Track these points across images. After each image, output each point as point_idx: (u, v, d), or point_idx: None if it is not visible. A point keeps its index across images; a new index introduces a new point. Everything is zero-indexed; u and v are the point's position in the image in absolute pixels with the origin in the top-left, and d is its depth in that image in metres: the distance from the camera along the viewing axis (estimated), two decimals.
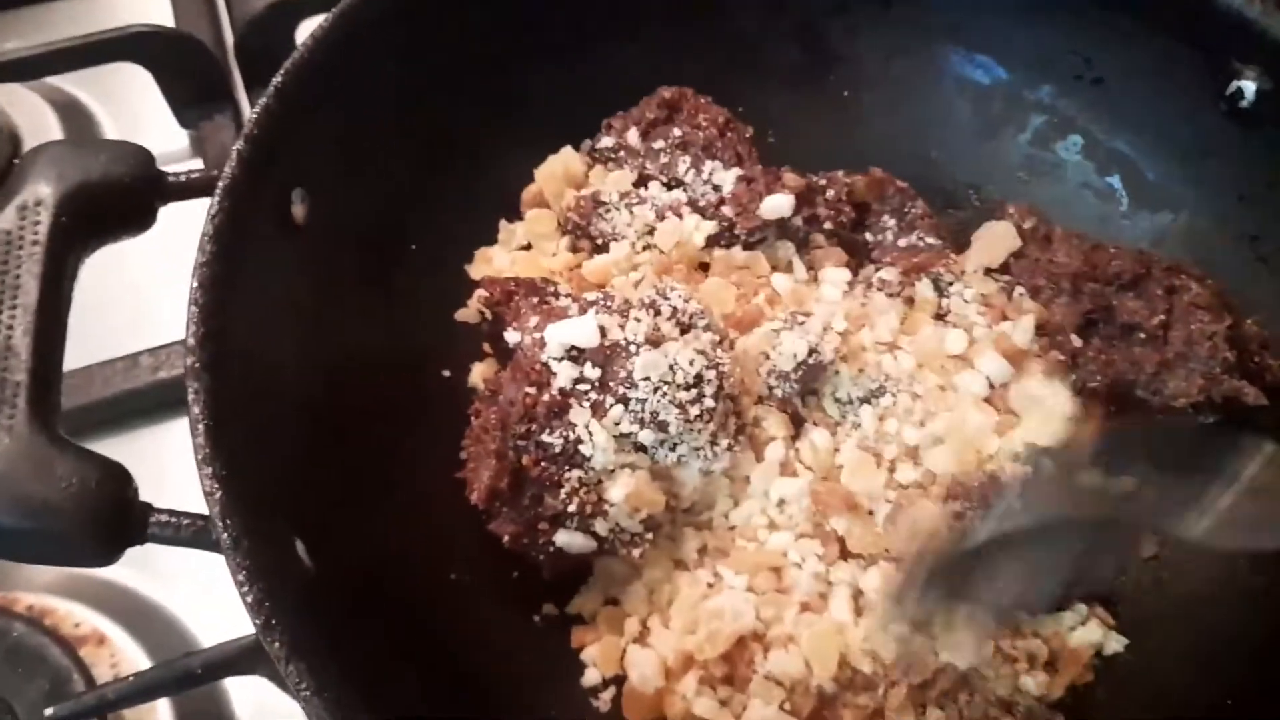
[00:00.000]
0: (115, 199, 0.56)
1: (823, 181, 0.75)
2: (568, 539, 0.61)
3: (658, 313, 0.64)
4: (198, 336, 0.52)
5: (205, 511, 0.49)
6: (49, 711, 0.62)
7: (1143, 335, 0.69)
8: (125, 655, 0.75)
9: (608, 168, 0.77)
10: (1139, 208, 0.77)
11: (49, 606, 0.76)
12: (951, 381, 0.67)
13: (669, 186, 0.75)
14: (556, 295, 0.66)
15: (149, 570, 0.79)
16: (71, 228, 0.53)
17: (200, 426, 0.50)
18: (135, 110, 1.01)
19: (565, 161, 0.78)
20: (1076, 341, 0.69)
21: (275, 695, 0.71)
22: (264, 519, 0.50)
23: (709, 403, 0.61)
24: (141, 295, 0.88)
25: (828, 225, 0.74)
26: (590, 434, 0.59)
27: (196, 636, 0.77)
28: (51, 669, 0.69)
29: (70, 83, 1.02)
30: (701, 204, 0.74)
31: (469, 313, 0.73)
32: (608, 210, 0.74)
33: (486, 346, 0.73)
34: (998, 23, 0.79)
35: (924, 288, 0.71)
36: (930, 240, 0.75)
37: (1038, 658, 0.62)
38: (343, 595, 0.54)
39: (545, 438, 0.59)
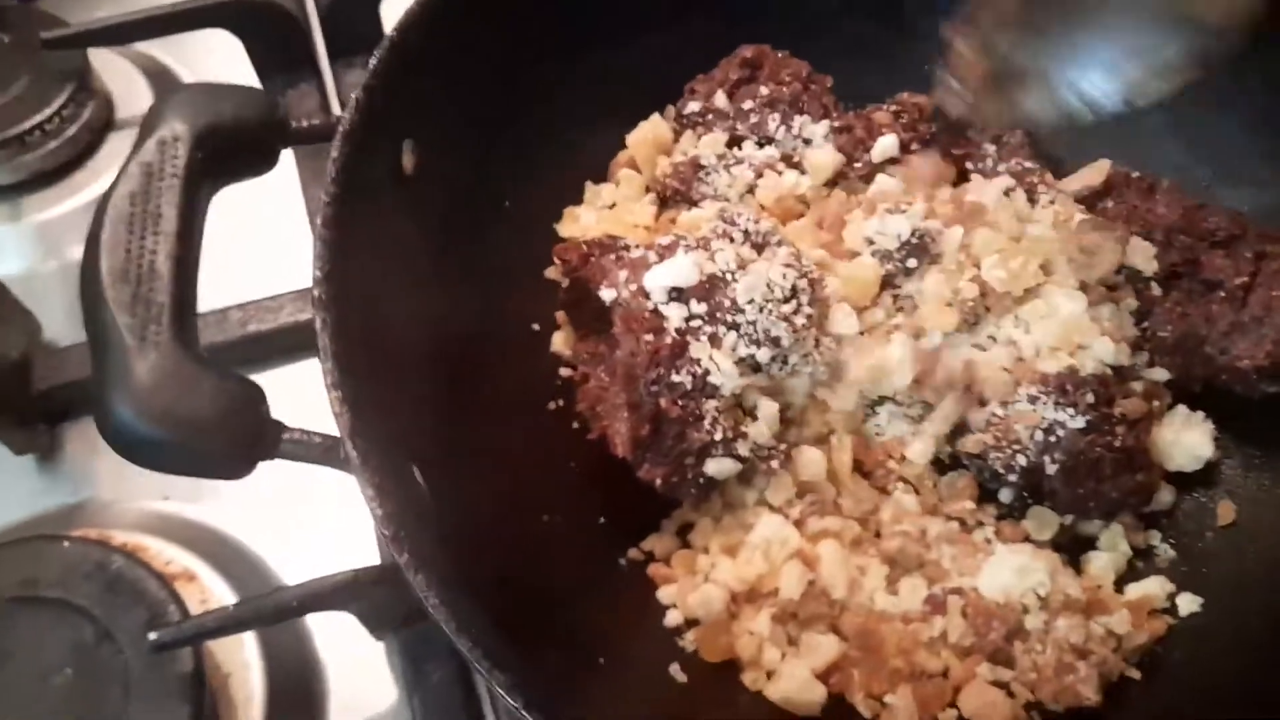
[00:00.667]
0: (244, 139, 0.59)
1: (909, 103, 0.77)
2: (717, 466, 0.63)
3: (731, 239, 0.66)
4: (324, 270, 0.54)
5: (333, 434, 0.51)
6: (153, 635, 0.65)
7: (1222, 294, 0.69)
8: (214, 592, 0.77)
9: (697, 132, 0.79)
10: (1224, 183, 0.76)
11: (142, 544, 0.79)
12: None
13: (760, 145, 0.77)
14: (628, 248, 0.68)
15: (236, 512, 0.82)
16: (205, 163, 0.56)
17: (328, 352, 0.52)
18: (222, 78, 1.02)
19: (655, 128, 0.80)
20: (1156, 290, 0.70)
21: (358, 636, 0.73)
22: (385, 442, 0.52)
23: (808, 310, 0.64)
24: (261, 245, 0.92)
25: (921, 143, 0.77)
26: (716, 364, 0.61)
27: (280, 577, 0.79)
28: (149, 600, 0.71)
29: (159, 49, 1.06)
30: (795, 159, 0.76)
31: (557, 271, 0.76)
32: (707, 173, 0.76)
33: (560, 317, 0.75)
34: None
35: (1018, 197, 0.72)
36: (1029, 164, 0.76)
37: (1106, 605, 0.64)
38: (452, 523, 0.56)
39: (675, 378, 0.61)
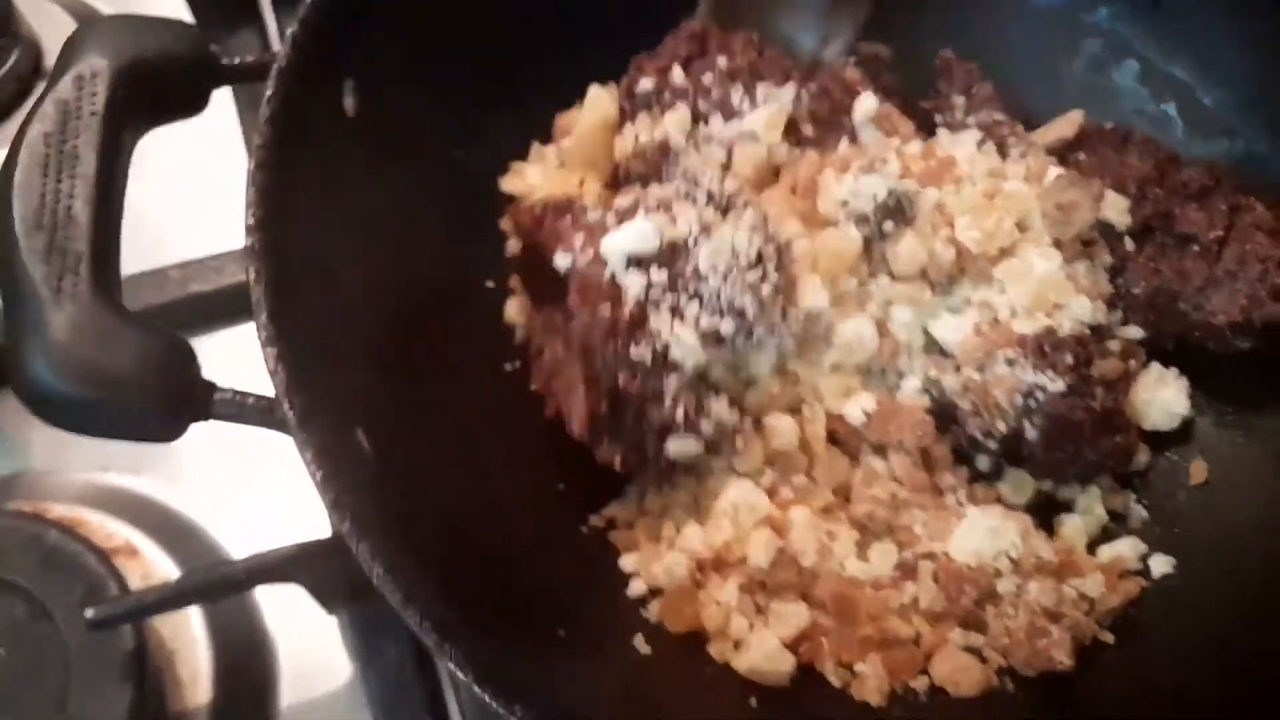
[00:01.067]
0: (170, 76, 0.54)
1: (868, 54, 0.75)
2: (679, 445, 0.60)
3: (694, 200, 0.62)
4: (258, 217, 0.51)
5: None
6: (89, 613, 0.61)
7: (1196, 248, 0.68)
8: (157, 566, 0.74)
9: (654, 113, 0.73)
10: (1195, 135, 0.76)
11: (81, 517, 0.75)
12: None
13: (726, 120, 0.72)
14: (585, 210, 0.64)
15: (178, 484, 0.78)
16: (127, 101, 0.52)
17: (261, 305, 0.49)
18: None
19: (600, 106, 0.74)
20: (1129, 245, 0.68)
21: (307, 609, 0.70)
22: (326, 402, 0.49)
23: (775, 278, 0.60)
24: (201, 201, 0.87)
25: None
26: (677, 336, 0.58)
27: (225, 549, 0.76)
28: (87, 575, 0.67)
29: None
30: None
31: (511, 233, 0.72)
32: (676, 155, 0.71)
33: (514, 282, 0.71)
34: None
35: (989, 151, 0.71)
36: (999, 116, 0.74)
37: (1079, 568, 0.62)
38: (399, 489, 0.53)
39: (634, 352, 0.57)
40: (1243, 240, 0.67)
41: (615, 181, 0.73)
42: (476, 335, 0.68)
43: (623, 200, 0.63)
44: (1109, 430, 0.64)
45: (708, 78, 0.73)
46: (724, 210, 0.63)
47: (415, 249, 0.66)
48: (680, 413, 0.59)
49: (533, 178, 0.75)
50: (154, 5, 0.98)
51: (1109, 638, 0.62)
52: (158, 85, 0.54)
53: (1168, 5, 0.76)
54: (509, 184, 0.75)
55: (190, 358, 0.49)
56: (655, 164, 0.71)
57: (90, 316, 0.45)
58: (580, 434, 0.59)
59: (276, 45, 0.95)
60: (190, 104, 0.56)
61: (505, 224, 0.73)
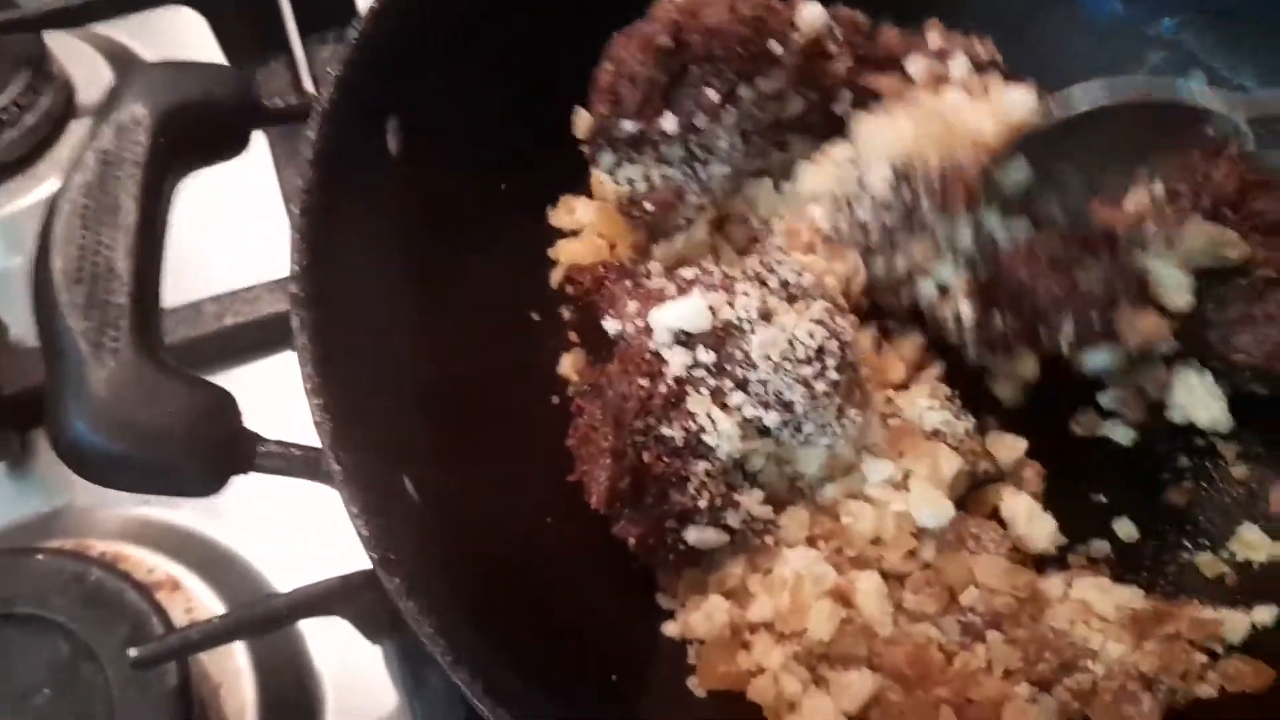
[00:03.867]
0: (213, 120, 0.54)
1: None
2: (700, 535, 0.57)
3: (764, 284, 0.60)
4: (302, 264, 0.50)
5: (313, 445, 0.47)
6: (133, 652, 0.61)
7: (1244, 281, 0.66)
8: (200, 600, 0.74)
9: (640, 161, 0.65)
10: (1263, 147, 0.73)
11: (123, 553, 0.75)
12: None
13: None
14: (649, 275, 0.62)
15: (219, 517, 0.78)
16: (169, 149, 0.51)
17: (308, 355, 0.48)
18: (188, 58, 0.99)
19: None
20: None
21: (352, 640, 0.70)
22: (372, 451, 0.48)
23: (833, 375, 0.57)
24: (235, 233, 0.88)
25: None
26: (713, 422, 0.55)
27: (268, 582, 0.76)
28: (131, 613, 0.67)
29: (121, 31, 1.01)
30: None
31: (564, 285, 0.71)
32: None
33: (574, 336, 0.70)
34: None
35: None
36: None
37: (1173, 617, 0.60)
38: (445, 535, 0.52)
39: (665, 431, 0.55)
40: None
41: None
42: (521, 370, 0.67)
43: (686, 272, 0.61)
44: None
45: (700, 119, 0.64)
46: (793, 299, 0.60)
47: (459, 286, 0.65)
48: (704, 501, 0.56)
49: (582, 213, 0.73)
50: (183, 40, 0.99)
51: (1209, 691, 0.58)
52: (200, 130, 0.54)
53: (1233, 15, 0.74)
54: (558, 219, 0.74)
55: (233, 411, 0.48)
56: (664, 204, 0.67)
57: (131, 372, 0.45)
58: (599, 505, 0.57)
59: (305, 75, 0.94)
60: (232, 147, 0.56)
61: (554, 255, 0.72)
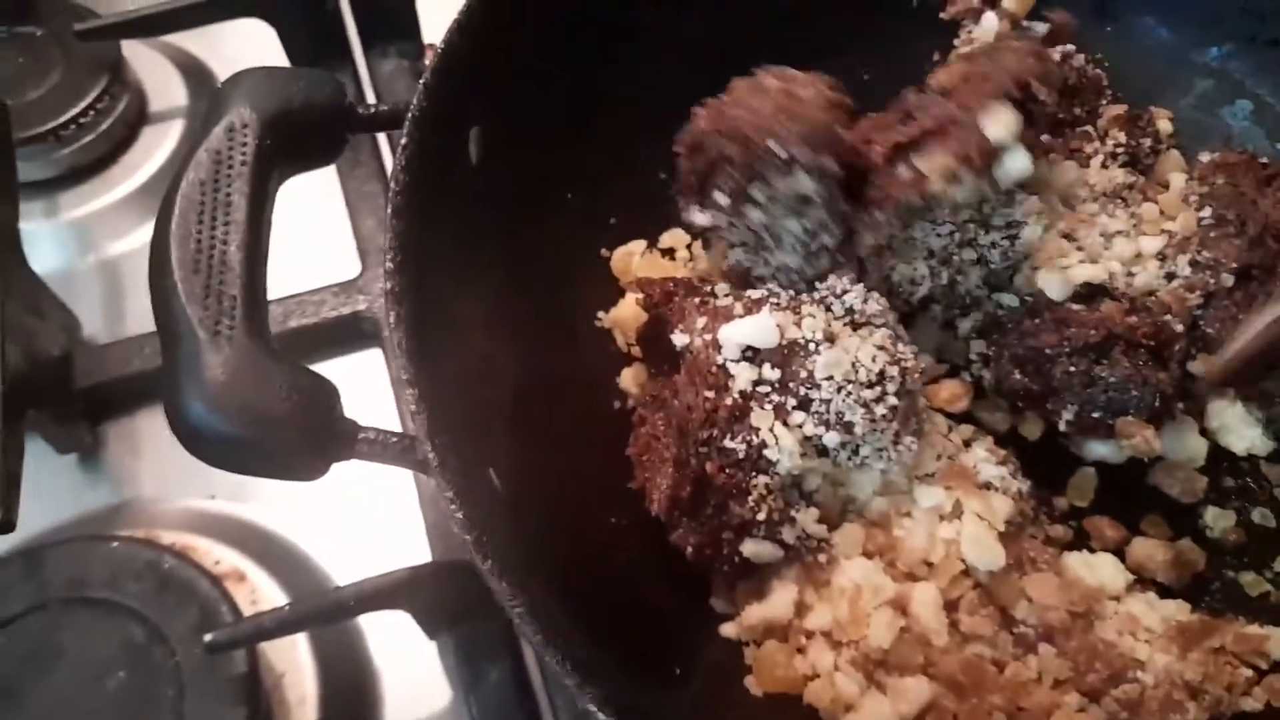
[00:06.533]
0: (312, 125, 0.57)
1: None
2: (755, 548, 0.59)
3: (829, 309, 0.62)
4: (396, 261, 0.53)
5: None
6: (208, 637, 0.63)
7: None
8: (264, 591, 0.76)
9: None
10: None
11: (189, 543, 0.77)
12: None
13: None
14: (716, 294, 0.64)
15: (284, 511, 0.80)
16: (274, 150, 0.54)
17: (402, 347, 0.50)
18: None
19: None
20: (1227, 281, 0.67)
21: (411, 636, 0.72)
22: (462, 442, 0.51)
23: (893, 400, 0.58)
24: (301, 239, 0.89)
25: None
26: (775, 438, 0.57)
27: (328, 574, 0.78)
28: (201, 600, 0.69)
29: (192, 41, 1.04)
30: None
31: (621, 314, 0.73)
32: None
33: (635, 350, 0.72)
34: None
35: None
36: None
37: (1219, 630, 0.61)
38: (529, 525, 0.55)
39: (727, 443, 0.57)
40: None
41: None
42: (585, 376, 0.69)
43: (755, 292, 0.63)
44: None
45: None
46: (855, 326, 0.62)
47: (530, 288, 0.67)
48: (763, 514, 0.58)
49: (641, 268, 0.75)
50: (250, 51, 1.01)
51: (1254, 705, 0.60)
52: (301, 134, 0.56)
53: None
54: (617, 265, 0.75)
55: (335, 397, 0.51)
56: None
57: (245, 358, 0.47)
58: (660, 513, 0.59)
59: (368, 87, 0.97)
60: (330, 150, 0.59)
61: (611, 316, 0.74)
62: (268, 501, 0.80)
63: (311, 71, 0.57)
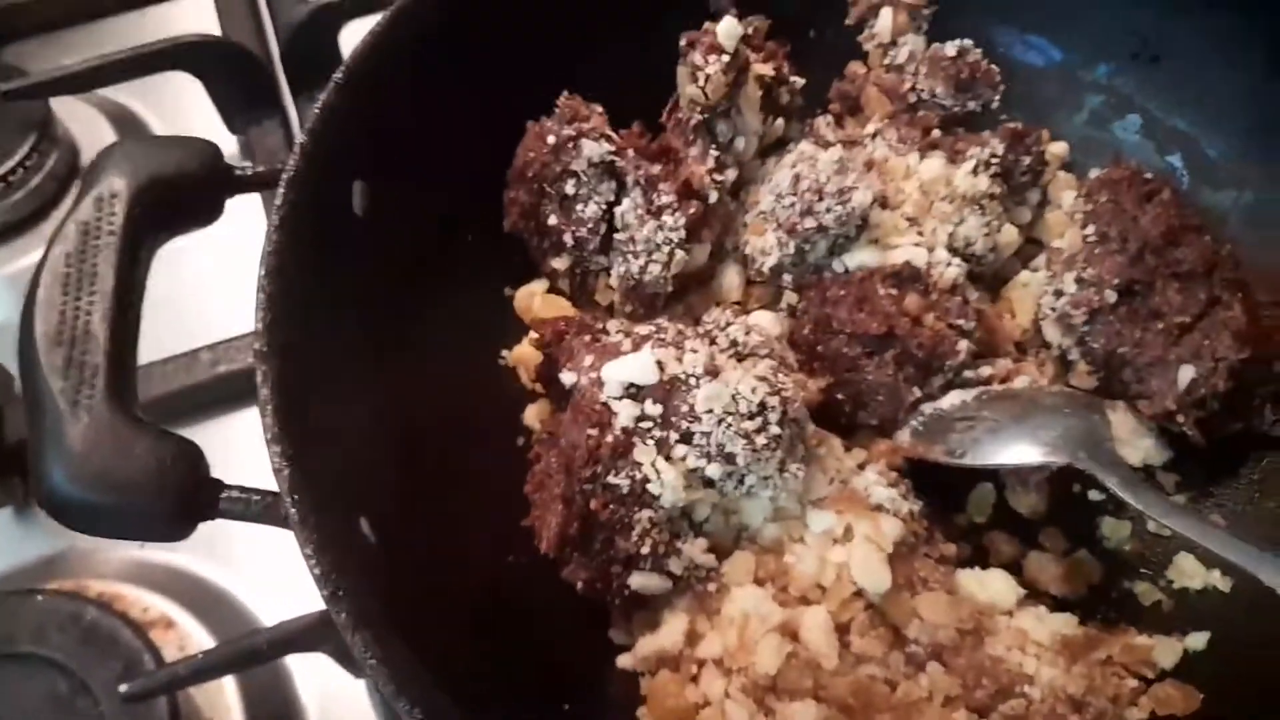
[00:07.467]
0: (186, 191, 0.58)
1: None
2: (643, 581, 0.60)
3: (713, 342, 0.63)
4: (265, 321, 0.54)
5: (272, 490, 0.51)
6: (123, 688, 0.65)
7: (1161, 325, 0.67)
8: (193, 638, 0.77)
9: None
10: (1201, 186, 0.75)
11: (118, 592, 0.79)
12: None
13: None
14: (607, 331, 0.65)
15: (213, 556, 0.82)
16: (145, 219, 0.55)
17: (269, 407, 0.52)
18: (186, 118, 1.05)
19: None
20: (1110, 298, 0.68)
21: (338, 674, 0.73)
22: (329, 496, 0.52)
23: (775, 430, 0.59)
24: (199, 294, 0.91)
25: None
26: (657, 472, 0.58)
27: (259, 618, 0.79)
28: (124, 650, 0.71)
29: (123, 94, 1.06)
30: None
31: (523, 352, 0.74)
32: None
33: (538, 387, 0.73)
34: (1052, 3, 0.79)
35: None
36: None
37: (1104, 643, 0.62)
38: (403, 572, 0.56)
39: (611, 479, 0.58)
40: (1206, 334, 0.65)
41: None
42: (487, 416, 0.71)
43: (642, 329, 0.65)
44: None
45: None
46: (740, 358, 0.63)
47: (425, 332, 0.68)
48: (647, 548, 0.59)
49: (538, 304, 0.76)
50: (182, 103, 1.04)
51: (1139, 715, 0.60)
52: (175, 200, 0.58)
53: (1168, 60, 0.76)
54: (520, 303, 0.77)
55: (198, 460, 0.52)
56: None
57: (104, 426, 0.49)
58: (549, 550, 0.60)
59: (298, 133, 0.98)
60: (206, 214, 0.60)
61: (515, 353, 0.75)
62: (198, 548, 0.81)
63: (186, 139, 0.59)
